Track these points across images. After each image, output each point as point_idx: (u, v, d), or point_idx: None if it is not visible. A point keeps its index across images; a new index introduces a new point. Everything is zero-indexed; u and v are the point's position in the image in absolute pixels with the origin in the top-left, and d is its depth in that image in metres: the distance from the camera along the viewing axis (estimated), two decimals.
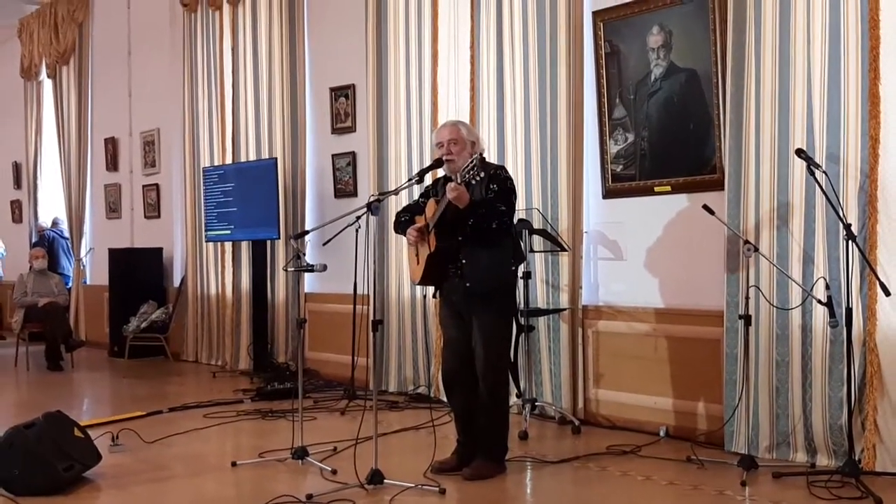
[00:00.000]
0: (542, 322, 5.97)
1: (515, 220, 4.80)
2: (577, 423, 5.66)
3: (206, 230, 8.99)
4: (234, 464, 4.89)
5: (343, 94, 7.91)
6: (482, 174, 4.30)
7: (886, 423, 4.43)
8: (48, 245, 11.51)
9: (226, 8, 8.98)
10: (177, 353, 9.53)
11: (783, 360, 4.80)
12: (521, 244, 5.21)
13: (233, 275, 8.95)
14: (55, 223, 12.09)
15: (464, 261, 4.48)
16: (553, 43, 5.94)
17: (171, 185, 9.97)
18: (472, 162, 4.24)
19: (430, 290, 4.76)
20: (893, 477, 4.34)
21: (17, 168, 13.39)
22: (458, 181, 4.29)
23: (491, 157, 6.08)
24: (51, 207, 12.40)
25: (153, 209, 10.31)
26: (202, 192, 9.01)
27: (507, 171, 4.63)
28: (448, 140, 4.56)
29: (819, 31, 4.66)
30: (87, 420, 5.86)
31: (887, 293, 4.25)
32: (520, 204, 5.75)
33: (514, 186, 4.59)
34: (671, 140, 5.49)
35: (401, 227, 4.81)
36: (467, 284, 4.48)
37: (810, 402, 4.69)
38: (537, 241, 5.77)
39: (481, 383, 4.53)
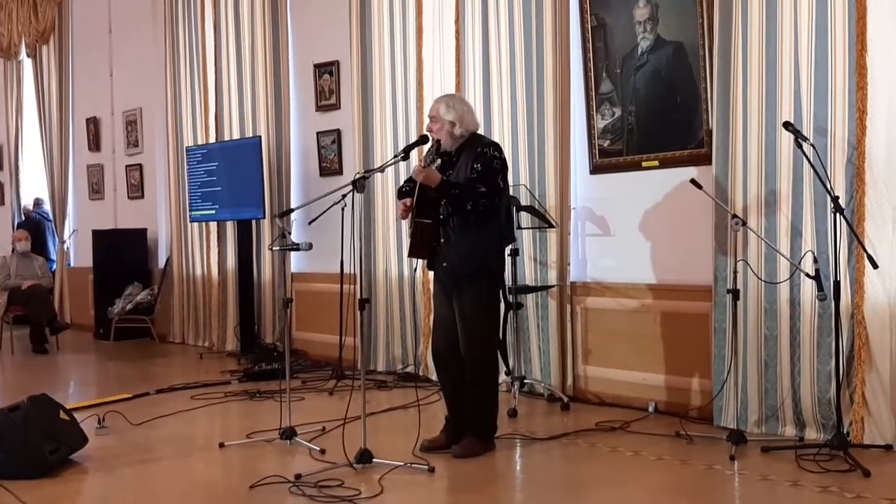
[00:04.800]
0: (530, 299, 5.95)
1: None
2: (566, 399, 5.66)
3: (190, 210, 8.92)
4: (221, 445, 4.86)
5: (327, 71, 7.82)
6: (438, 161, 4.40)
7: (874, 396, 4.44)
8: (35, 229, 11.37)
9: None
10: (163, 335, 9.48)
11: (771, 335, 4.80)
12: (513, 224, 5.14)
13: (218, 255, 8.90)
14: (38, 203, 11.92)
15: (442, 240, 4.47)
16: (539, 16, 5.88)
17: (154, 165, 9.88)
18: (432, 146, 4.30)
19: (422, 263, 4.72)
20: (881, 450, 4.35)
21: None
22: (423, 164, 4.34)
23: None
24: (33, 188, 12.25)
25: (137, 189, 10.22)
26: (186, 171, 8.93)
27: (496, 150, 4.50)
28: (430, 116, 4.56)
29: (806, 1, 4.61)
30: (72, 403, 5.83)
31: (875, 266, 4.24)
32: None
33: (501, 166, 4.48)
34: (658, 114, 5.45)
35: (399, 198, 4.78)
36: (444, 264, 4.49)
37: (799, 375, 4.69)
38: (525, 218, 5.73)
39: (466, 362, 4.51)
